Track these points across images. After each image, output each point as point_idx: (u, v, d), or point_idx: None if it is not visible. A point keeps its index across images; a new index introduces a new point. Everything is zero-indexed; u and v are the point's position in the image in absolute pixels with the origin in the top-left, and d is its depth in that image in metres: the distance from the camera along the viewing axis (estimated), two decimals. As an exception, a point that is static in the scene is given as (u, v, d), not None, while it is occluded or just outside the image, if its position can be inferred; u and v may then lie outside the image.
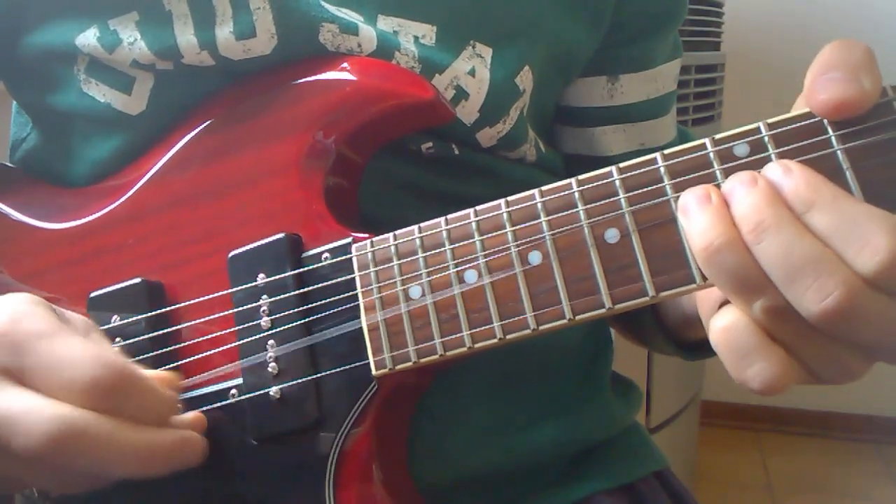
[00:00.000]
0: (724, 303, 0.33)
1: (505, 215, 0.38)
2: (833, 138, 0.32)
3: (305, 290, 0.42)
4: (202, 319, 0.45)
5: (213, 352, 0.44)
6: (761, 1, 1.98)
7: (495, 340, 0.38)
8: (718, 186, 0.33)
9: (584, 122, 0.59)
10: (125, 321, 0.45)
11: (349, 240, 0.42)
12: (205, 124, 0.47)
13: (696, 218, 0.32)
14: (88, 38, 0.47)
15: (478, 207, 0.39)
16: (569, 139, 0.60)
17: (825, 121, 0.32)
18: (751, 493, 1.91)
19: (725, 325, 0.32)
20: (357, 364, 0.41)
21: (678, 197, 0.33)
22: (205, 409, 0.43)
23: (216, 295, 0.44)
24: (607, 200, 0.36)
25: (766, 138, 0.33)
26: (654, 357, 1.40)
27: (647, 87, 0.58)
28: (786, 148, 0.33)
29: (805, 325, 0.30)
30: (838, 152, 0.32)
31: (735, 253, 0.31)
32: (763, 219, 0.30)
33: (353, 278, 0.41)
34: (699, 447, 1.75)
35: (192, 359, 0.45)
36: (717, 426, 2.05)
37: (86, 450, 0.34)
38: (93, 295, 0.46)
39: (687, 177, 0.34)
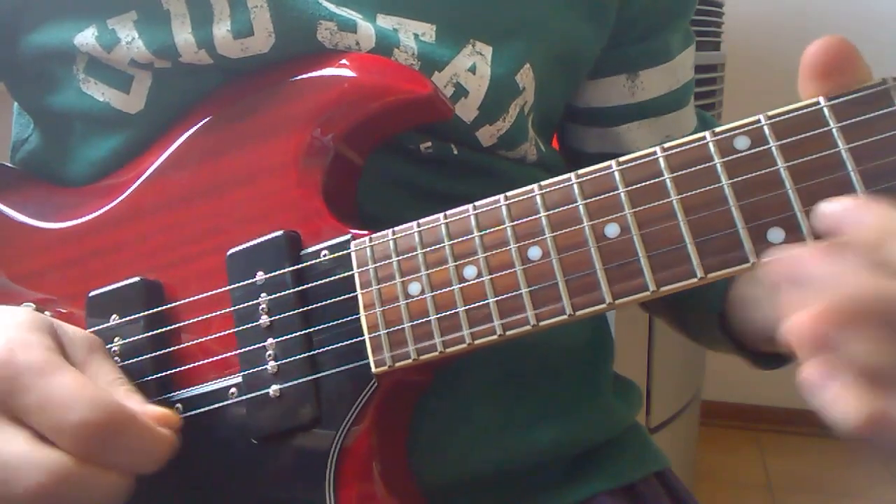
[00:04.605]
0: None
1: (504, 210, 0.38)
2: (834, 130, 0.32)
3: (304, 286, 0.42)
4: (201, 318, 0.44)
5: (211, 350, 0.44)
6: (761, 1, 1.98)
7: (495, 337, 0.37)
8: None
9: (609, 121, 0.59)
10: (124, 320, 0.45)
11: (348, 236, 0.42)
12: (203, 122, 0.47)
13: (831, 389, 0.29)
14: (87, 37, 0.47)
15: (477, 203, 0.39)
16: (594, 140, 0.60)
17: (825, 111, 0.32)
18: (751, 493, 1.91)
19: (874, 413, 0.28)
20: (357, 362, 0.40)
21: (678, 191, 0.33)
22: (204, 408, 0.43)
23: (214, 292, 0.44)
24: (607, 195, 0.35)
25: (767, 130, 0.33)
26: (654, 357, 1.41)
27: (667, 79, 0.59)
28: (786, 140, 0.32)
29: None
30: (839, 143, 0.32)
31: None
32: None
33: (352, 275, 0.41)
34: (699, 447, 1.75)
35: (190, 357, 0.44)
36: (717, 426, 2.05)
37: (76, 496, 0.35)
38: (91, 294, 0.46)
39: (687, 170, 0.34)
